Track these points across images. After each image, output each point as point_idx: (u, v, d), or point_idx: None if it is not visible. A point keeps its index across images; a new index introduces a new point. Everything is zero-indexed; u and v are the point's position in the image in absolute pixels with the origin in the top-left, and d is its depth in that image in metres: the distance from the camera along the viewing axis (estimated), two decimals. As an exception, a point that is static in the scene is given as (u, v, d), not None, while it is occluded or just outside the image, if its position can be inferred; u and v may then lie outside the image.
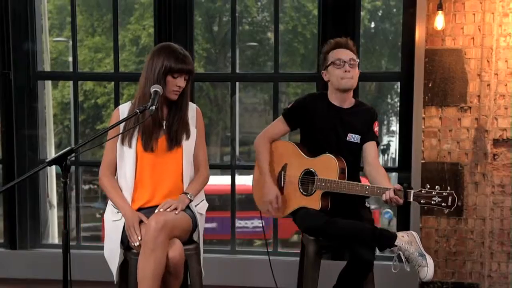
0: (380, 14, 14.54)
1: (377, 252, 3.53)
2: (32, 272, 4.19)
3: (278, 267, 3.58)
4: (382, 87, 14.71)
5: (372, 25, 14.62)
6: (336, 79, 2.96)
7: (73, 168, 4.43)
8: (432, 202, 2.58)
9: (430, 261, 2.73)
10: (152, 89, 2.59)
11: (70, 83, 4.11)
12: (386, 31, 14.53)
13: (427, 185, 2.63)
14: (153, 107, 2.48)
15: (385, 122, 15.27)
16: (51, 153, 7.13)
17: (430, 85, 3.74)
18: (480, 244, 3.77)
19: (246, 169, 4.24)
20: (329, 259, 3.81)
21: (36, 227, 4.34)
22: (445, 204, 2.57)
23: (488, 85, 3.70)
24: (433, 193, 2.59)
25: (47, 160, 2.24)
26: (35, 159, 4.33)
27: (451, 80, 3.73)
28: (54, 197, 7.18)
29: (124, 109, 2.78)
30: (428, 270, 2.72)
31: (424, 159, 3.77)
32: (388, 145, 15.30)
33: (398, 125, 4.07)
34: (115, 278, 2.74)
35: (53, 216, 6.21)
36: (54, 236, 4.82)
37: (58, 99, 13.87)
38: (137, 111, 2.48)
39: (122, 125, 2.71)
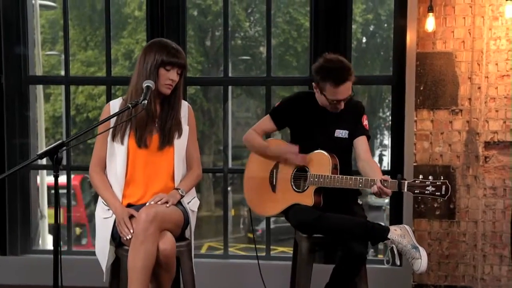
0: (371, 29, 14.66)
1: (370, 256, 3.52)
2: (22, 278, 4.14)
3: (270, 272, 3.56)
4: (373, 102, 14.79)
5: (364, 39, 14.75)
6: (325, 105, 2.96)
7: (65, 178, 4.40)
8: (426, 191, 2.59)
9: (423, 253, 2.73)
10: (145, 84, 2.59)
11: (62, 96, 4.14)
12: (377, 45, 14.64)
13: (420, 175, 2.64)
14: (145, 102, 2.48)
15: (377, 136, 15.34)
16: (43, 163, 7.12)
17: (421, 88, 3.76)
18: (473, 246, 3.77)
19: (238, 173, 4.22)
20: (321, 262, 3.79)
21: (27, 233, 4.30)
22: (439, 193, 2.57)
23: (479, 88, 3.72)
24: (426, 182, 2.59)
25: (38, 153, 2.22)
26: (27, 172, 4.30)
27: (442, 83, 3.75)
28: (45, 209, 7.14)
29: (115, 105, 2.77)
30: (421, 262, 2.71)
31: (416, 162, 3.77)
32: (381, 158, 15.34)
33: (390, 138, 4.09)
34: (105, 276, 2.72)
35: (44, 226, 6.16)
36: (44, 242, 4.77)
37: (49, 112, 13.85)
38: (129, 105, 2.48)
39: (113, 122, 2.70)
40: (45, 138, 7.57)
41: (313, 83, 2.98)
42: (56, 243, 2.30)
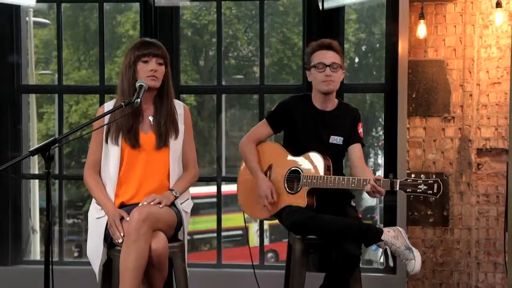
0: (364, 48, 14.80)
1: (363, 264, 3.50)
2: (13, 288, 4.09)
3: (264, 280, 3.53)
4: (367, 121, 14.84)
5: (356, 59, 14.88)
6: (318, 82, 2.98)
7: (57, 203, 4.37)
8: (418, 190, 2.59)
9: (417, 254, 2.72)
10: (138, 84, 2.61)
11: (56, 115, 4.15)
12: (370, 64, 14.76)
13: (412, 174, 2.64)
14: (138, 100, 2.49)
15: (371, 155, 15.38)
16: (35, 184, 7.09)
17: (414, 96, 3.79)
18: (467, 254, 3.76)
19: (232, 181, 4.21)
20: (315, 269, 3.76)
21: (18, 243, 4.25)
22: (431, 192, 2.57)
23: (471, 95, 3.75)
24: (418, 181, 2.60)
25: (30, 150, 2.23)
26: (18, 181, 4.27)
27: (434, 90, 3.77)
28: (37, 224, 7.09)
29: (109, 107, 2.78)
30: (415, 263, 2.70)
31: (409, 169, 3.77)
32: (374, 174, 15.31)
33: (384, 160, 4.11)
34: (97, 277, 2.69)
35: (35, 240, 6.11)
36: (36, 252, 4.73)
37: (43, 131, 13.83)
38: (122, 104, 2.49)
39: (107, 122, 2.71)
40: (37, 157, 7.55)
41: (306, 72, 3.06)
42: (47, 243, 2.28)
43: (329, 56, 2.97)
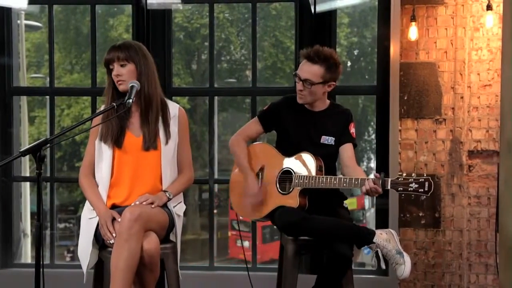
0: (356, 52, 14.83)
1: (356, 267, 3.49)
2: (3, 292, 4.06)
3: (257, 281, 3.53)
4: (359, 125, 14.87)
5: (349, 63, 14.90)
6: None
7: (49, 207, 4.35)
8: (409, 189, 2.58)
9: (407, 258, 2.72)
10: (129, 84, 2.60)
11: (47, 118, 4.14)
12: (362, 68, 14.80)
13: (404, 173, 2.64)
14: (130, 101, 2.49)
15: (364, 159, 15.38)
16: (26, 188, 7.07)
17: (405, 98, 3.81)
18: (458, 255, 3.78)
19: (224, 183, 4.21)
20: (308, 271, 3.77)
21: (8, 246, 4.23)
22: (422, 190, 2.57)
23: (462, 97, 3.77)
24: (410, 180, 2.59)
25: (20, 150, 2.22)
26: (9, 184, 4.25)
27: (425, 92, 3.80)
28: (28, 228, 7.05)
29: None
30: (405, 268, 2.70)
31: (401, 171, 3.78)
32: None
33: (376, 161, 4.12)
34: (85, 278, 2.68)
35: (26, 245, 6.08)
36: (27, 256, 4.71)
37: (34, 135, 13.75)
38: (114, 104, 2.48)
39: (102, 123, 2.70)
40: (29, 161, 7.51)
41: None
42: (38, 243, 2.27)
43: (307, 71, 2.90)
